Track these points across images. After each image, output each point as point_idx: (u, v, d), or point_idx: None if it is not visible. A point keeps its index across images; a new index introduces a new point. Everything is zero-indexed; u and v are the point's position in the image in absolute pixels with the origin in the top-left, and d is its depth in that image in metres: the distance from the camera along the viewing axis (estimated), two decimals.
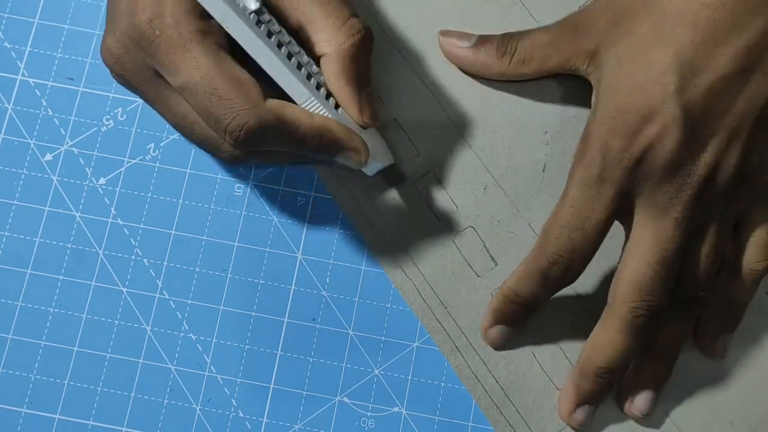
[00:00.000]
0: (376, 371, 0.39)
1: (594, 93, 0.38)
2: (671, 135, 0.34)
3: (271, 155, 0.36)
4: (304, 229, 0.40)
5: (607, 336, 0.36)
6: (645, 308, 0.35)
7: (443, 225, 0.40)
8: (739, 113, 0.34)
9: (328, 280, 0.40)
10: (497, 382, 0.39)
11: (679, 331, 0.37)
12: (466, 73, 0.41)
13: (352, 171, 0.38)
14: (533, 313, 0.38)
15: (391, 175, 0.40)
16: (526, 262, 0.37)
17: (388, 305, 0.39)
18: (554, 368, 0.39)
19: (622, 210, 0.36)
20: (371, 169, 0.38)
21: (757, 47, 0.34)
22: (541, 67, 0.39)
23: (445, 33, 0.41)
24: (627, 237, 0.37)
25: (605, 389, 0.37)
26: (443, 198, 0.40)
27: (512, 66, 0.39)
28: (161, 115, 0.35)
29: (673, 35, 0.34)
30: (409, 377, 0.39)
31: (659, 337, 0.37)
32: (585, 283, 0.39)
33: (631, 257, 0.36)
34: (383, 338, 0.39)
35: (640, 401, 0.38)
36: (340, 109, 0.36)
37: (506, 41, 0.39)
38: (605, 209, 0.35)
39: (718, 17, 0.34)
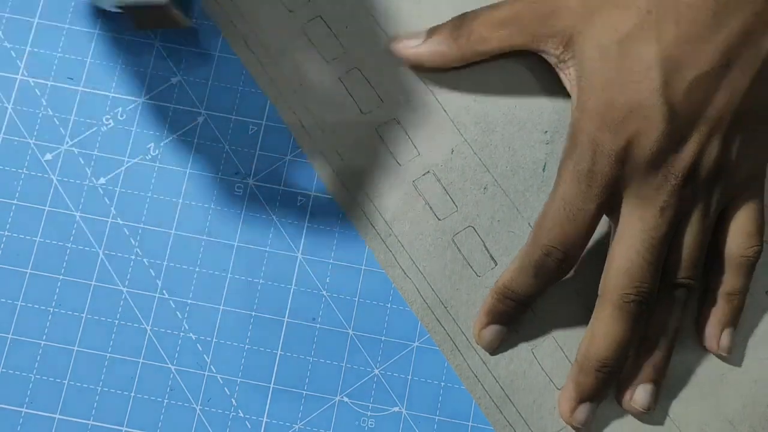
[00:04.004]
0: (376, 371, 0.39)
1: (574, 83, 0.38)
2: (657, 128, 0.36)
3: None
4: (304, 229, 0.40)
5: (602, 327, 0.37)
6: (636, 294, 0.36)
7: (443, 224, 0.40)
8: (719, 107, 0.36)
9: (328, 280, 0.40)
10: (497, 381, 0.39)
11: (671, 321, 0.38)
12: (428, 70, 0.40)
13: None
14: (526, 310, 0.38)
15: (153, 17, 0.36)
16: (518, 259, 0.38)
17: (388, 305, 0.39)
18: (554, 367, 0.39)
19: (610, 203, 0.37)
20: (105, 2, 0.36)
21: (736, 44, 0.35)
22: (502, 46, 0.39)
23: (393, 40, 0.41)
24: (614, 230, 0.38)
25: (605, 384, 0.37)
26: (442, 197, 0.40)
27: (470, 47, 0.39)
28: None
29: (658, 32, 0.36)
30: (409, 377, 0.39)
31: (651, 328, 0.38)
32: (584, 280, 0.39)
33: (620, 246, 0.36)
34: (383, 338, 0.39)
35: (639, 395, 0.38)
36: None
37: (458, 24, 0.39)
38: (595, 202, 0.36)
39: (701, 16, 0.35)
